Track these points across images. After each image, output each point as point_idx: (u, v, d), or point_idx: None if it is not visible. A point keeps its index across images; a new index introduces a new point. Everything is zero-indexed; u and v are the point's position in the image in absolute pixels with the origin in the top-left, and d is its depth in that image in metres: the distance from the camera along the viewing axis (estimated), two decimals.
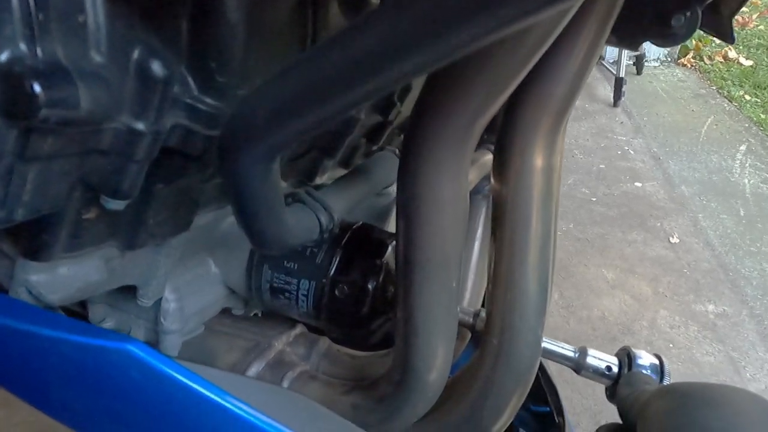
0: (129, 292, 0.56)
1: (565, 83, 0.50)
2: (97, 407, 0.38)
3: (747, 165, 2.40)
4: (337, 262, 0.60)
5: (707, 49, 4.26)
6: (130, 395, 0.39)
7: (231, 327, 0.72)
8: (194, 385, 0.35)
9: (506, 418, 0.57)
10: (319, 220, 0.50)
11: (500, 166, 0.54)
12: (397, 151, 0.77)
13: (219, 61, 0.37)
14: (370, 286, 0.60)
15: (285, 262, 0.62)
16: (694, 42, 4.24)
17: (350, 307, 0.60)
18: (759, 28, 4.87)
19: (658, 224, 1.96)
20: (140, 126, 0.34)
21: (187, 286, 0.61)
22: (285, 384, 0.63)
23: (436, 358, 0.53)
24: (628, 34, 0.58)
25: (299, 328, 0.75)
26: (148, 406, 0.36)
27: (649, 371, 0.58)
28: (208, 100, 0.38)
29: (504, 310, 0.54)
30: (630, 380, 0.56)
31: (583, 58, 0.48)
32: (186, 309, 0.60)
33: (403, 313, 0.52)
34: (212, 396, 0.36)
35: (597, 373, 0.59)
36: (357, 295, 0.60)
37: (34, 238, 0.38)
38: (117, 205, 0.37)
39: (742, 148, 2.57)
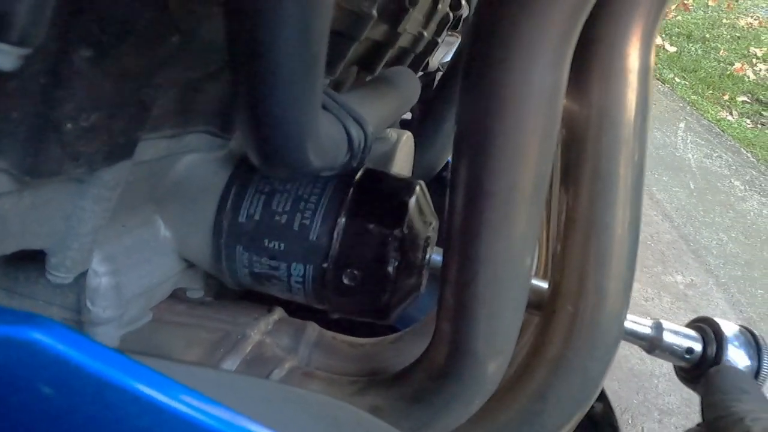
0: (32, 263, 0.37)
1: None
2: None
3: (688, 141, 2.46)
4: (340, 238, 0.42)
5: None
6: (41, 424, 0.20)
7: (186, 315, 0.53)
8: (161, 397, 0.18)
9: (582, 410, 0.43)
10: (348, 132, 0.32)
11: (578, 70, 0.39)
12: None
13: None
14: (391, 269, 0.43)
15: (265, 241, 0.43)
16: None
17: (366, 296, 0.43)
18: (677, 18, 5.15)
19: None
20: None
21: (126, 254, 0.42)
22: None
23: (503, 338, 0.38)
24: None
25: (278, 313, 0.57)
26: None
27: (740, 348, 0.46)
28: None
29: (585, 269, 0.40)
30: (718, 382, 0.41)
31: None
32: (125, 288, 0.41)
33: (459, 274, 0.36)
34: (192, 412, 0.19)
35: (675, 355, 0.46)
36: (375, 282, 0.43)
37: None
38: (3, 58, 0.19)
39: (681, 125, 2.64)
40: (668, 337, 0.46)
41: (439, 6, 0.70)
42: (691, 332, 0.47)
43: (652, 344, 0.47)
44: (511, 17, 0.28)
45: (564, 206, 0.42)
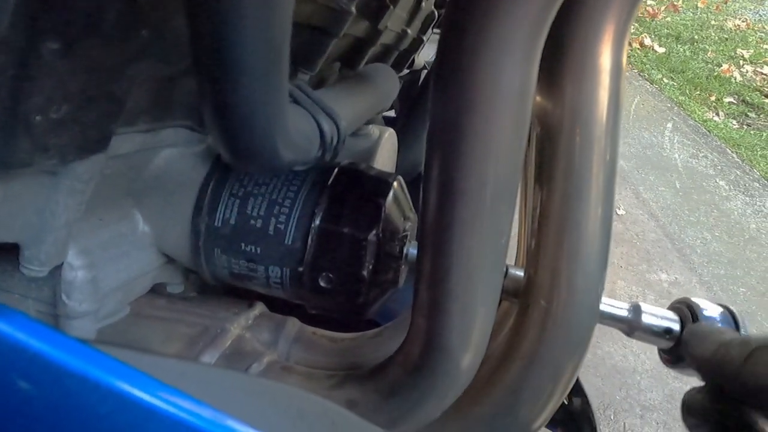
0: (7, 256, 0.37)
1: None
2: None
3: (675, 141, 2.48)
4: (315, 242, 0.42)
5: None
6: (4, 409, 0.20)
7: (166, 309, 0.53)
8: (133, 390, 0.18)
9: (554, 404, 0.44)
10: (320, 127, 0.33)
11: (551, 70, 0.40)
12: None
13: None
14: (365, 273, 0.43)
15: (242, 244, 0.44)
16: None
17: (341, 297, 0.44)
18: (666, 19, 5.19)
19: None
20: None
21: (103, 248, 0.42)
22: None
23: (476, 332, 0.38)
24: None
25: (258, 308, 0.57)
26: None
27: (720, 325, 0.46)
28: None
29: (558, 264, 0.41)
30: (698, 333, 0.42)
31: None
32: (102, 281, 0.41)
33: (432, 270, 0.37)
34: (167, 407, 0.19)
35: (656, 335, 0.46)
36: (350, 284, 0.44)
37: None
38: None
39: (669, 125, 2.67)
40: (647, 319, 0.46)
41: (423, 4, 0.70)
42: (669, 313, 0.47)
43: (631, 326, 0.46)
44: (479, 20, 0.29)
45: (538, 202, 0.42)
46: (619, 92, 0.40)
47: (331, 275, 0.43)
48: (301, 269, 0.43)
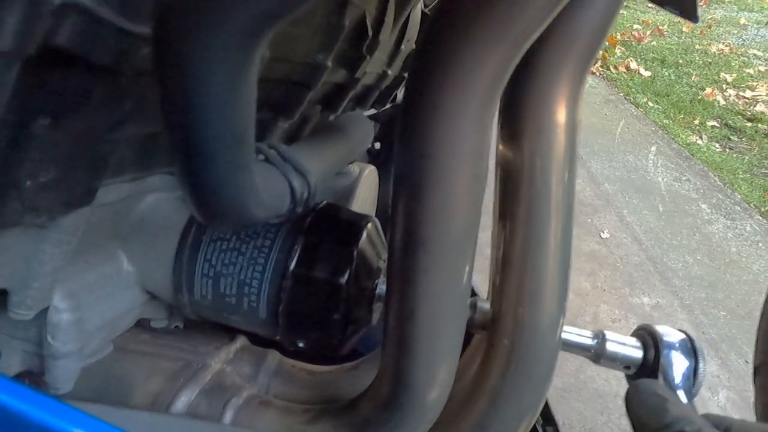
0: None
1: (597, 13, 0.40)
2: None
3: (659, 165, 2.54)
4: (286, 320, 0.46)
5: (612, 59, 4.57)
6: None
7: (150, 344, 0.55)
8: None
9: None
10: (290, 184, 0.35)
11: (511, 123, 0.43)
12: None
13: None
14: (336, 341, 0.48)
15: (224, 313, 0.48)
16: (600, 52, 4.52)
17: (316, 343, 0.48)
18: (652, 44, 5.33)
19: (589, 220, 2.00)
20: None
21: (89, 290, 0.44)
22: (228, 415, 0.48)
23: (441, 370, 0.41)
24: None
25: (240, 341, 0.59)
26: None
27: (679, 352, 0.48)
28: None
29: (519, 303, 0.43)
30: (646, 390, 0.42)
31: None
32: (87, 322, 0.43)
33: (398, 311, 0.39)
34: None
35: (619, 362, 0.49)
36: (324, 344, 0.49)
37: None
38: None
39: (653, 149, 2.73)
40: (611, 346, 0.48)
41: (403, 46, 0.74)
42: (632, 340, 0.49)
43: (597, 354, 0.49)
44: (437, 87, 0.32)
45: (501, 242, 0.45)
46: (574, 146, 0.43)
47: (305, 341, 0.47)
48: (278, 337, 0.46)
